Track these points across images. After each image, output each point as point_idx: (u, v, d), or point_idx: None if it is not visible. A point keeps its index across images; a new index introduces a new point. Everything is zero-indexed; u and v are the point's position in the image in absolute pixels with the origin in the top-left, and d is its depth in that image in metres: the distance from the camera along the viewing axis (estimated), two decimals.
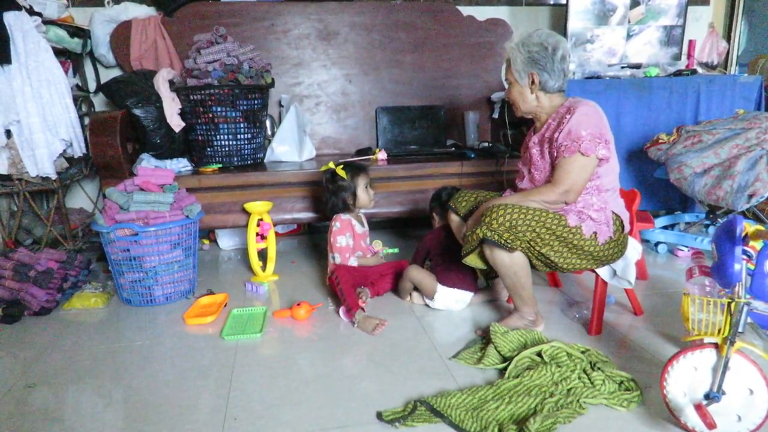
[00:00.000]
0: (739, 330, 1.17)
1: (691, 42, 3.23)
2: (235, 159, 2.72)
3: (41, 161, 2.42)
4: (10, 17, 2.29)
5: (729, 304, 1.18)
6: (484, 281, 2.19)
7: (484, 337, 1.79)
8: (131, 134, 2.56)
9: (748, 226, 1.20)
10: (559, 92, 1.76)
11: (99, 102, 3.08)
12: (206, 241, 3.08)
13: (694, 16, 3.60)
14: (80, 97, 2.88)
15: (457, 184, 2.60)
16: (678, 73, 2.87)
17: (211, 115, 2.61)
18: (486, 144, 2.88)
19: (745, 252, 1.19)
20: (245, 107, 2.66)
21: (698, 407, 1.20)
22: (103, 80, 2.97)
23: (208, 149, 2.69)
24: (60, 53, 2.69)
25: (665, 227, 2.89)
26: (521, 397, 1.42)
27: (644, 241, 2.76)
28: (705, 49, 3.55)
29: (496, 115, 3.13)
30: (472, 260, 1.77)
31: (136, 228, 2.06)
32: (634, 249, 1.83)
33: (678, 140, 2.44)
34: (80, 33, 2.86)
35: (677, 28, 3.24)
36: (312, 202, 2.62)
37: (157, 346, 1.83)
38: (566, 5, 3.12)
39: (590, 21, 3.16)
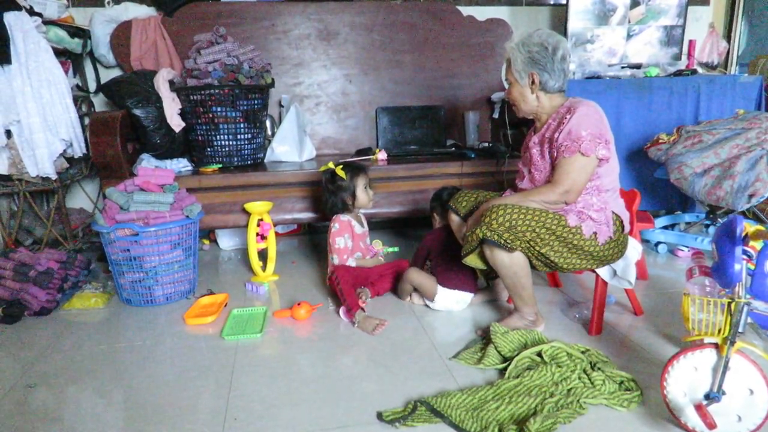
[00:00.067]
0: (740, 330, 1.17)
1: (691, 42, 3.23)
2: (236, 159, 2.72)
3: (41, 161, 2.42)
4: (10, 17, 2.29)
5: (729, 304, 1.18)
6: (485, 281, 2.19)
7: (485, 337, 1.79)
8: (131, 134, 2.56)
9: (749, 226, 1.20)
10: (559, 92, 1.76)
11: (99, 102, 3.08)
12: (206, 241, 3.08)
13: (694, 16, 3.60)
14: (80, 97, 2.87)
15: (457, 184, 2.60)
16: (678, 73, 2.87)
17: (211, 116, 2.61)
18: (486, 144, 2.88)
19: (745, 252, 1.19)
20: (245, 107, 2.66)
21: (698, 407, 1.20)
22: (103, 80, 2.97)
23: (209, 149, 2.69)
24: (60, 53, 2.69)
25: (665, 227, 2.89)
26: (521, 397, 1.42)
27: (644, 241, 2.76)
28: (705, 49, 3.55)
29: (496, 115, 3.13)
30: (472, 260, 1.77)
31: (137, 228, 2.06)
32: (634, 249, 1.83)
33: (678, 140, 2.44)
34: (80, 33, 2.86)
35: (677, 28, 3.24)
36: (312, 202, 2.62)
37: (158, 346, 1.84)
38: (566, 5, 3.12)
39: (590, 21, 3.16)
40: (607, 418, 1.37)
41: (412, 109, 3.21)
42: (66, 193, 2.85)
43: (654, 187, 2.83)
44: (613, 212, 1.73)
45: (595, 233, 1.68)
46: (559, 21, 3.38)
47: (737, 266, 1.15)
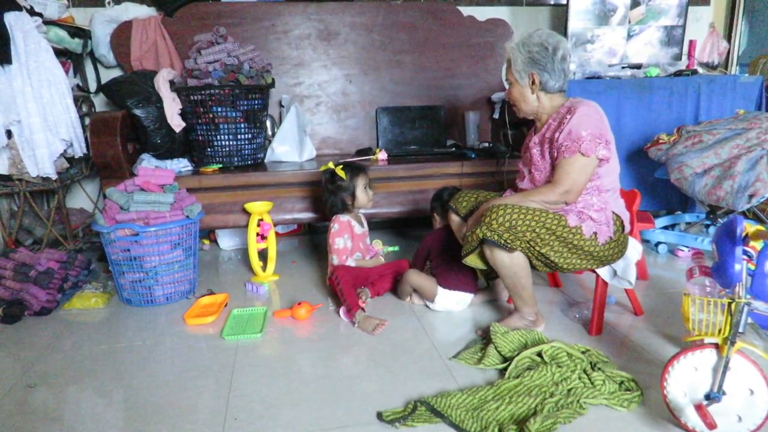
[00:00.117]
0: (740, 330, 1.16)
1: (691, 42, 3.23)
2: (236, 159, 2.72)
3: (42, 161, 2.42)
4: (10, 17, 2.29)
5: (729, 304, 1.18)
6: (485, 281, 2.19)
7: (485, 338, 1.79)
8: (131, 134, 2.56)
9: (749, 227, 1.20)
10: (559, 92, 1.76)
11: (99, 102, 3.08)
12: (207, 241, 3.08)
13: (694, 16, 3.60)
14: (81, 97, 2.88)
15: (457, 184, 2.60)
16: (678, 74, 2.87)
17: (211, 116, 2.61)
18: (486, 144, 2.89)
19: (745, 252, 1.19)
20: (245, 107, 2.66)
21: (699, 407, 1.19)
22: (103, 80, 2.97)
23: (209, 149, 2.69)
24: (60, 53, 2.69)
25: (666, 227, 2.89)
26: (521, 397, 1.42)
27: (645, 242, 2.76)
28: (705, 49, 3.54)
29: (496, 116, 3.13)
30: (472, 260, 1.77)
31: (137, 228, 2.06)
32: (634, 249, 1.83)
33: (678, 140, 2.44)
34: (81, 33, 2.86)
35: (678, 28, 3.24)
36: (312, 202, 2.62)
37: (158, 346, 1.84)
38: (567, 5, 3.12)
39: (591, 21, 3.16)
40: (607, 418, 1.37)
41: (413, 109, 3.21)
42: (66, 193, 2.85)
43: (654, 187, 2.83)
44: (613, 212, 1.73)
45: (595, 233, 1.68)
46: (560, 21, 3.38)
47: (737, 266, 1.15)
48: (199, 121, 2.63)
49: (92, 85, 3.06)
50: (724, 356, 1.18)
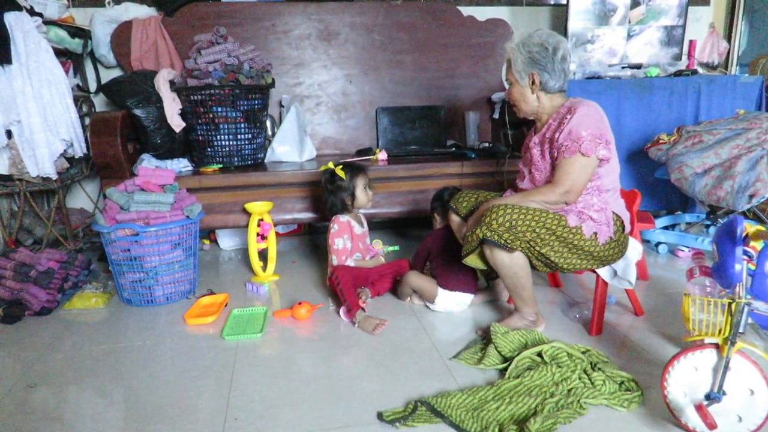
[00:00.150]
0: (740, 330, 1.16)
1: (691, 42, 3.23)
2: (236, 159, 2.72)
3: (42, 161, 2.42)
4: (10, 17, 2.29)
5: (730, 304, 1.18)
6: (485, 282, 2.19)
7: (485, 338, 1.79)
8: (132, 134, 2.56)
9: (749, 227, 1.20)
10: (559, 92, 1.76)
11: (99, 102, 3.08)
12: (207, 242, 3.08)
13: (694, 17, 3.60)
14: (81, 97, 2.87)
15: (457, 184, 2.60)
16: (678, 74, 2.87)
17: (211, 116, 2.61)
18: (486, 144, 2.88)
19: (745, 252, 1.19)
20: (246, 107, 2.66)
21: (699, 408, 1.19)
22: (103, 80, 2.97)
23: (209, 149, 2.69)
24: (60, 53, 2.69)
25: (666, 227, 2.89)
26: (522, 397, 1.42)
27: (645, 242, 2.76)
28: (705, 49, 3.55)
29: (496, 116, 3.13)
30: (473, 261, 1.77)
31: (137, 228, 2.06)
32: (634, 249, 1.83)
33: (678, 140, 2.44)
34: (81, 33, 2.86)
35: (678, 28, 3.24)
36: (312, 203, 2.62)
37: (158, 346, 1.84)
38: (567, 5, 3.12)
39: (591, 21, 3.16)
40: (607, 418, 1.37)
41: (413, 109, 3.21)
42: (66, 193, 2.85)
43: (654, 187, 2.83)
44: (613, 212, 1.73)
45: (595, 233, 1.68)
46: (560, 21, 3.38)
47: (738, 266, 1.15)
48: (199, 121, 2.63)
49: (92, 85, 3.05)
50: (725, 356, 1.18)
